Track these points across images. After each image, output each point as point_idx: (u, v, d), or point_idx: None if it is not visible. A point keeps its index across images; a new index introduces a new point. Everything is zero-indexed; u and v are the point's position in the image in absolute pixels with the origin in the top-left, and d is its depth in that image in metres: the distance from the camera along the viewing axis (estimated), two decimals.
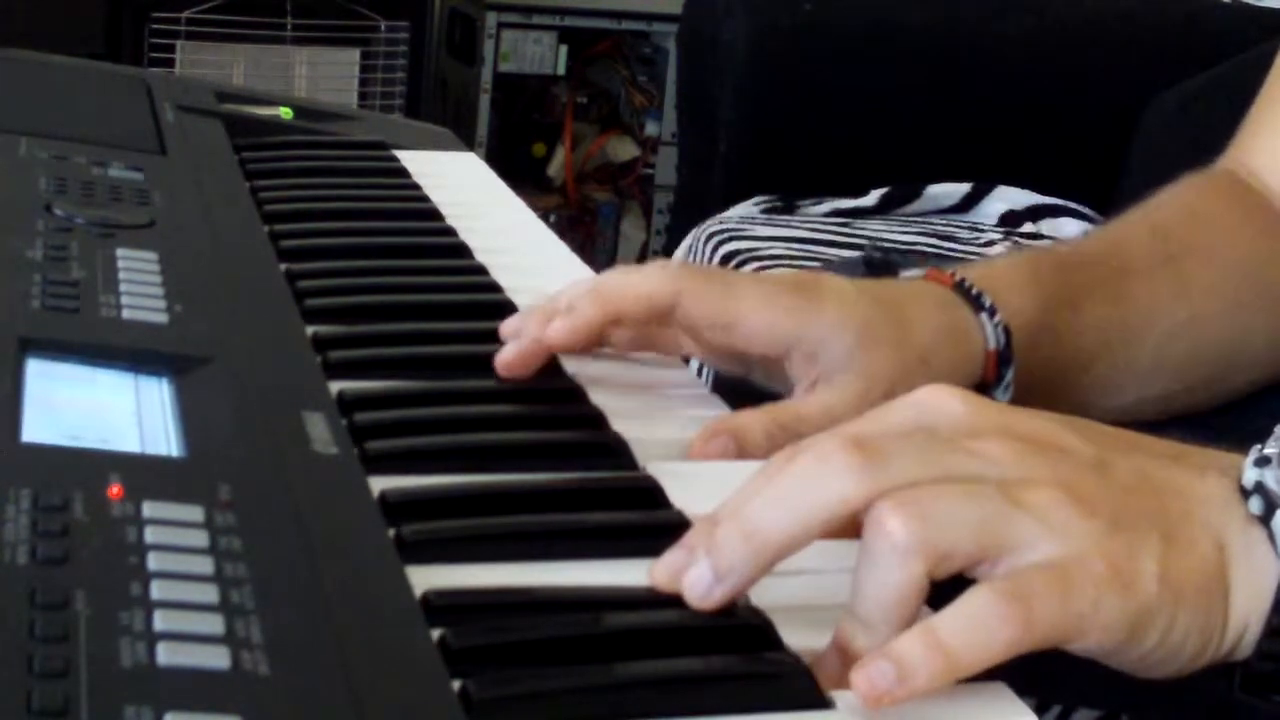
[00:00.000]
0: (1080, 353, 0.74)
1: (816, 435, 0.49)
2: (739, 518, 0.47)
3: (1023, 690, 0.48)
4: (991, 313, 0.68)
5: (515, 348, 0.64)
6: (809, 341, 0.64)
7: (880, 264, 0.72)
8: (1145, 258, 0.78)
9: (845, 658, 0.46)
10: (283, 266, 0.74)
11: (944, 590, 0.46)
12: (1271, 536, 0.48)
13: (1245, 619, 0.48)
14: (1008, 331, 0.68)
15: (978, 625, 0.44)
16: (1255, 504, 0.49)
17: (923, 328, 0.66)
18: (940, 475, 0.47)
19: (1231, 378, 0.81)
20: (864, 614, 0.46)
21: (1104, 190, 1.66)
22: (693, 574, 0.47)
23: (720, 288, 0.64)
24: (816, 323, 0.64)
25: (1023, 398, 0.70)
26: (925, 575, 0.45)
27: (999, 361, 0.68)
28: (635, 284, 0.64)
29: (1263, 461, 0.49)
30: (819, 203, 1.80)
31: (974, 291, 0.69)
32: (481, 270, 0.78)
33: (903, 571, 0.45)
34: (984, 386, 0.69)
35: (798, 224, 1.73)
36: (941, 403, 0.50)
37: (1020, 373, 0.69)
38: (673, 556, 0.48)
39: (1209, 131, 0.90)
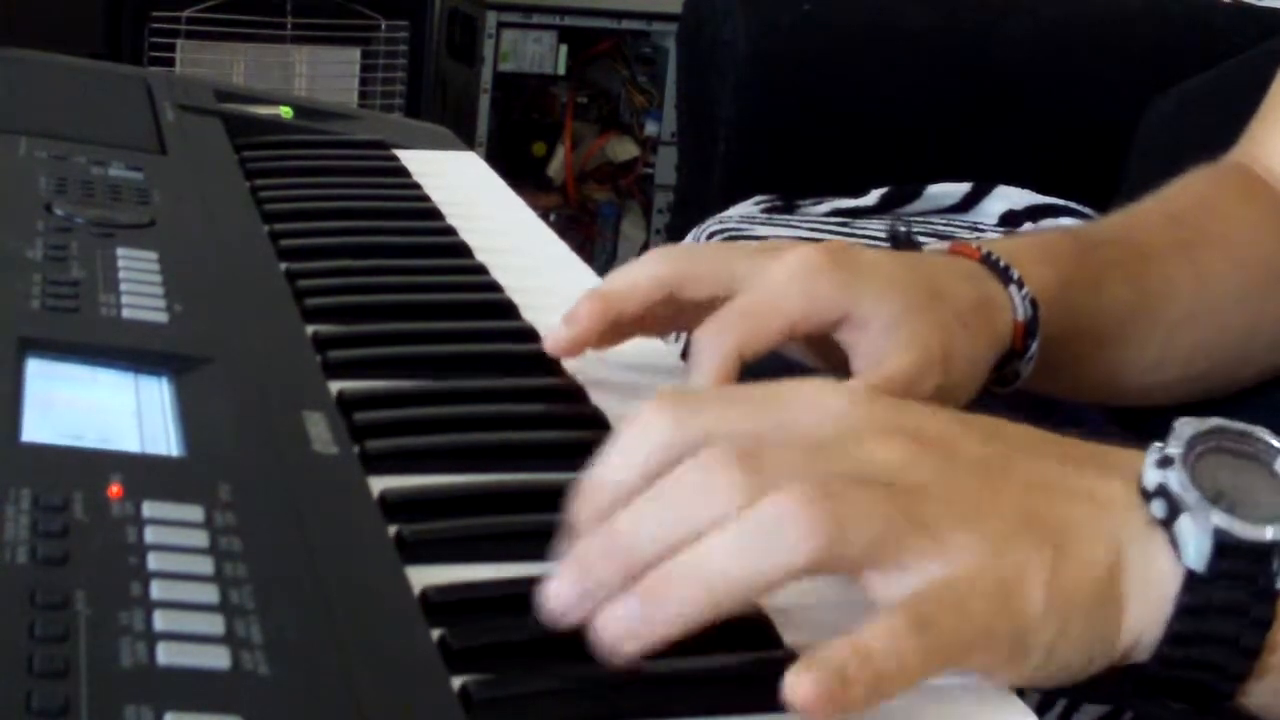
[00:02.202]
0: (1094, 332, 0.74)
1: (705, 444, 0.47)
2: (615, 533, 0.45)
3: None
4: (1020, 285, 0.68)
5: (569, 335, 0.64)
6: (857, 315, 0.64)
7: (905, 239, 0.73)
8: (1161, 243, 0.78)
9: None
10: (283, 266, 0.74)
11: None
12: (1174, 540, 0.47)
13: (1140, 627, 0.47)
14: (1034, 304, 0.68)
15: (889, 655, 0.43)
16: (1158, 507, 0.47)
17: (956, 297, 0.66)
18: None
19: (1242, 368, 0.81)
20: (724, 581, 0.43)
21: (1104, 190, 1.66)
22: (559, 586, 0.45)
23: (770, 320, 0.63)
24: (863, 296, 0.64)
25: (1031, 376, 0.70)
26: (817, 567, 0.44)
27: (1025, 332, 0.68)
28: (703, 378, 0.62)
29: (1165, 462, 0.48)
30: (819, 203, 1.80)
31: (1001, 264, 0.69)
32: (481, 270, 0.78)
33: (804, 551, 0.43)
34: (1011, 357, 0.69)
35: (798, 224, 1.74)
36: (824, 399, 0.49)
37: None
38: (559, 573, 0.46)
39: (1209, 131, 0.90)
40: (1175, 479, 0.47)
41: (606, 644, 0.43)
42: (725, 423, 0.48)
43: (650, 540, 0.45)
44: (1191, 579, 0.46)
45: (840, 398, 0.49)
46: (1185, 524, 0.46)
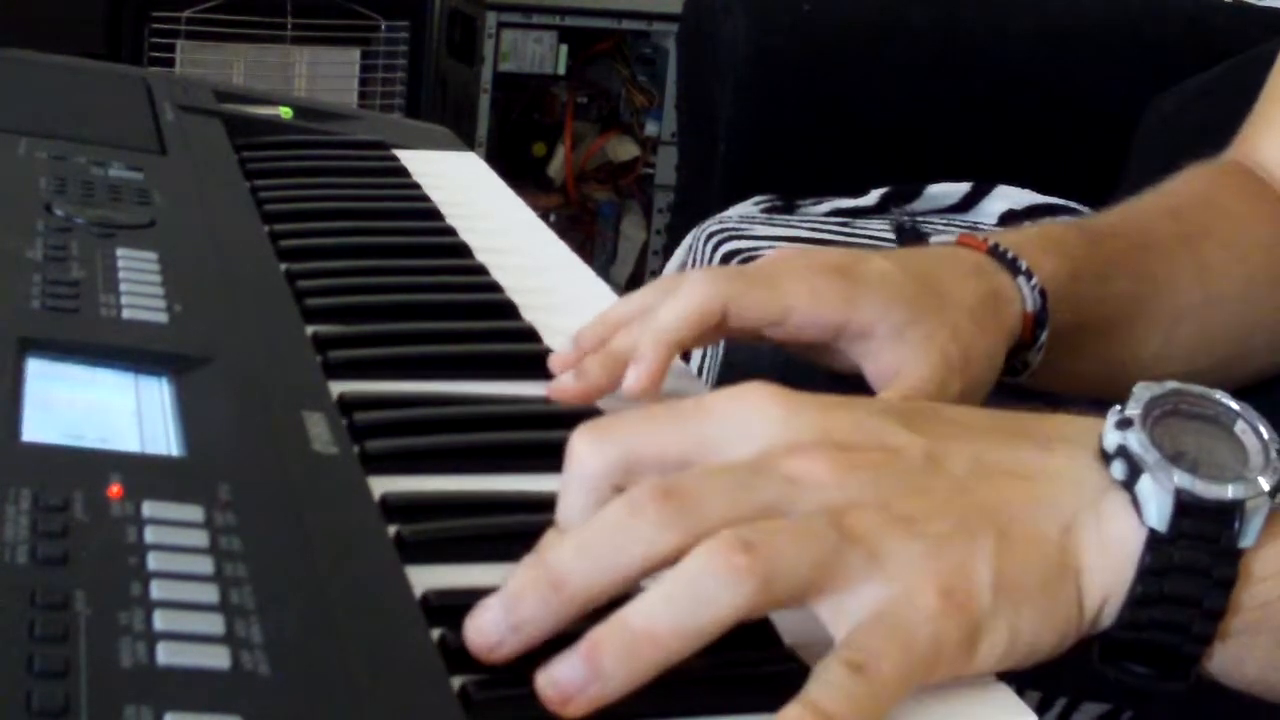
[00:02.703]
0: (1098, 324, 0.74)
1: (627, 466, 0.47)
2: (545, 568, 0.44)
3: (1027, 685, 0.48)
4: (1028, 275, 0.68)
5: (579, 386, 0.63)
6: (857, 324, 0.64)
7: (910, 231, 0.73)
8: (1163, 236, 0.78)
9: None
10: (283, 266, 0.74)
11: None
12: (1135, 501, 0.47)
13: (1104, 593, 0.47)
14: (1044, 294, 0.69)
15: (839, 707, 0.42)
16: (1118, 468, 0.47)
17: (962, 294, 0.66)
18: (759, 512, 0.45)
19: (1244, 363, 0.81)
20: (668, 632, 0.43)
21: (1104, 190, 1.66)
22: (485, 620, 0.44)
23: (765, 289, 0.64)
24: (863, 306, 0.64)
25: (1040, 365, 0.70)
26: (756, 610, 0.44)
27: (1035, 323, 0.69)
28: (685, 310, 0.63)
29: (1125, 424, 0.48)
30: (819, 203, 1.80)
31: (1009, 255, 0.69)
32: (481, 270, 0.78)
33: (738, 599, 0.43)
34: (1021, 347, 0.69)
35: (798, 224, 1.74)
36: (750, 411, 0.48)
37: None
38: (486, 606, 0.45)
39: (1209, 132, 0.90)
40: (1135, 440, 0.47)
41: (554, 703, 0.42)
42: (645, 442, 0.48)
43: (578, 576, 0.44)
44: (1153, 539, 0.46)
45: (767, 407, 0.48)
46: (1146, 484, 0.46)
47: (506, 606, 0.44)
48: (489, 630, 0.44)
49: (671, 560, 0.44)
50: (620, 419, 0.49)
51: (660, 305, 0.64)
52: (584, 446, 0.48)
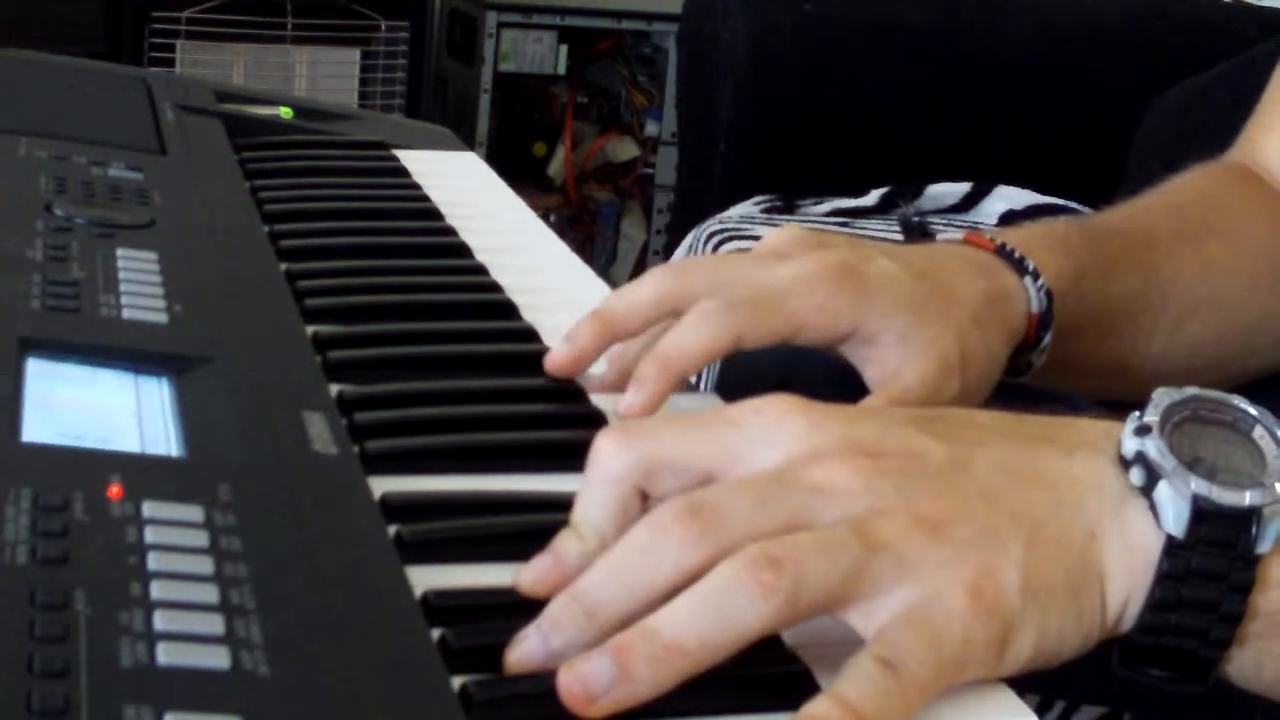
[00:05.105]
0: (1102, 323, 0.74)
1: (653, 469, 0.48)
2: (578, 595, 0.45)
3: (1026, 687, 0.48)
4: (1035, 276, 0.68)
5: (569, 353, 0.64)
6: (864, 332, 0.64)
7: (917, 228, 0.73)
8: (1166, 234, 0.78)
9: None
10: (283, 266, 0.74)
11: None
12: (1153, 507, 0.47)
13: (1125, 596, 0.47)
14: (1049, 295, 0.68)
15: (868, 704, 0.42)
16: (1136, 475, 0.47)
17: (967, 295, 0.66)
18: (783, 525, 0.45)
19: (1246, 361, 0.81)
20: (696, 643, 0.43)
21: (1104, 190, 1.66)
22: (524, 650, 0.45)
23: (776, 315, 0.63)
24: (869, 315, 0.64)
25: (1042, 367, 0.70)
26: (783, 624, 0.44)
27: (1039, 324, 0.68)
28: (696, 347, 0.62)
29: (1143, 430, 0.48)
30: (819, 203, 1.80)
31: (1016, 255, 0.69)
32: (481, 270, 0.78)
33: (765, 615, 0.43)
34: (1024, 349, 0.69)
35: (798, 224, 1.73)
36: (775, 423, 0.48)
37: None
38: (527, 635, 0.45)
39: (1209, 131, 0.90)
40: (1153, 446, 0.47)
41: (577, 700, 0.42)
42: (669, 446, 0.48)
43: (611, 601, 0.45)
44: (1171, 545, 0.47)
45: (791, 417, 0.48)
46: (1164, 490, 0.47)
47: (544, 635, 0.45)
48: (529, 660, 0.44)
49: (701, 574, 0.44)
50: (646, 423, 0.49)
51: (670, 332, 0.63)
52: (608, 446, 0.48)
